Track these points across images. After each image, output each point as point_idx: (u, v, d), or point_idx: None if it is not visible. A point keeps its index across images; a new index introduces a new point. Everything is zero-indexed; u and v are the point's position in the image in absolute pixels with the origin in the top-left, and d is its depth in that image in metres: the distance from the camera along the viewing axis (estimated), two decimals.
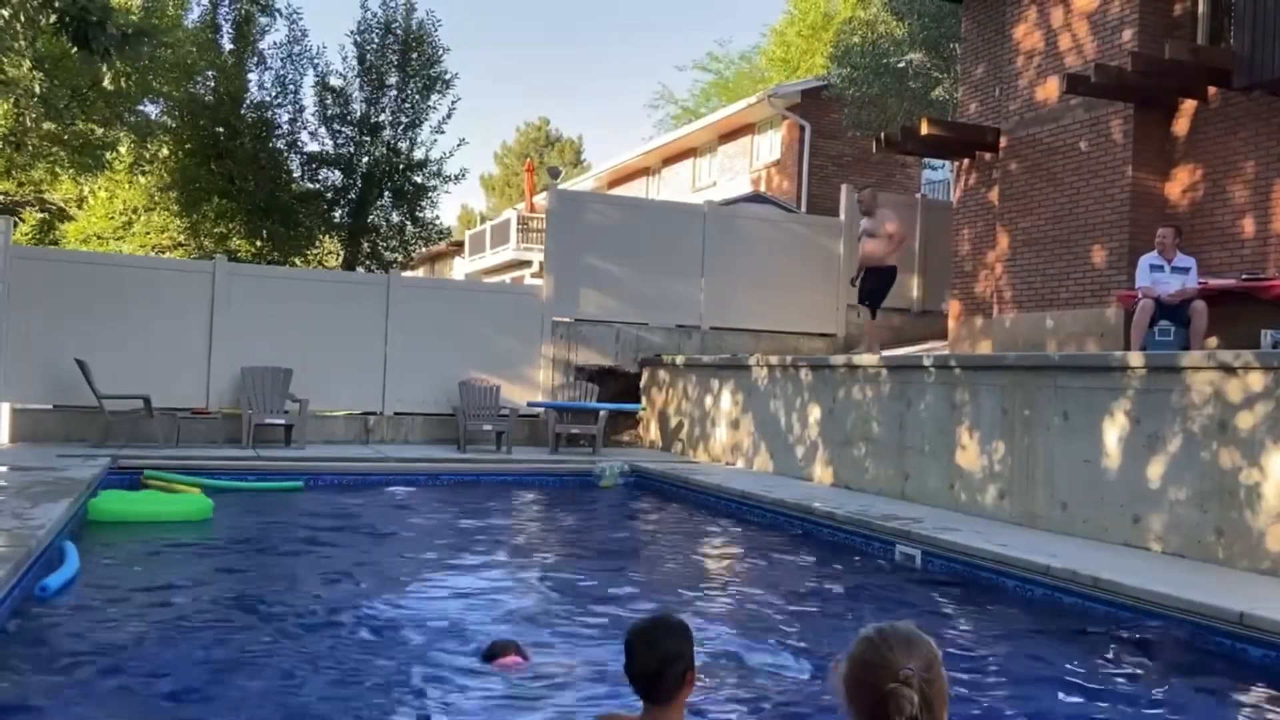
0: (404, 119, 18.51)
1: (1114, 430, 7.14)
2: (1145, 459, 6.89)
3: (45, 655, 4.58)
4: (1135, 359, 7.16)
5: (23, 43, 12.91)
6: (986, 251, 13.20)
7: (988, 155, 13.24)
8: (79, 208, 20.99)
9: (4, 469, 9.12)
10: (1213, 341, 9.24)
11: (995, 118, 13.11)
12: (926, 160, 20.05)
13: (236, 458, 10.91)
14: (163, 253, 18.62)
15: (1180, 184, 10.63)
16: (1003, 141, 12.43)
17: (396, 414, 13.59)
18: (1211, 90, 10.25)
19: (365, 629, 5.18)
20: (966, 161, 13.90)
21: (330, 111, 18.18)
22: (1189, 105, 10.55)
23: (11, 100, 16.38)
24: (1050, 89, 11.57)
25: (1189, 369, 6.66)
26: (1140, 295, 9.24)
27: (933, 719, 1.88)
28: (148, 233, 19.28)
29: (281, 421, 12.34)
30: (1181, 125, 10.65)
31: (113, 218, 20.06)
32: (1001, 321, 12.28)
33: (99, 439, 11.45)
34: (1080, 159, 11.25)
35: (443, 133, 18.94)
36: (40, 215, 21.27)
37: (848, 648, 1.99)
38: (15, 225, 15.98)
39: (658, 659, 2.54)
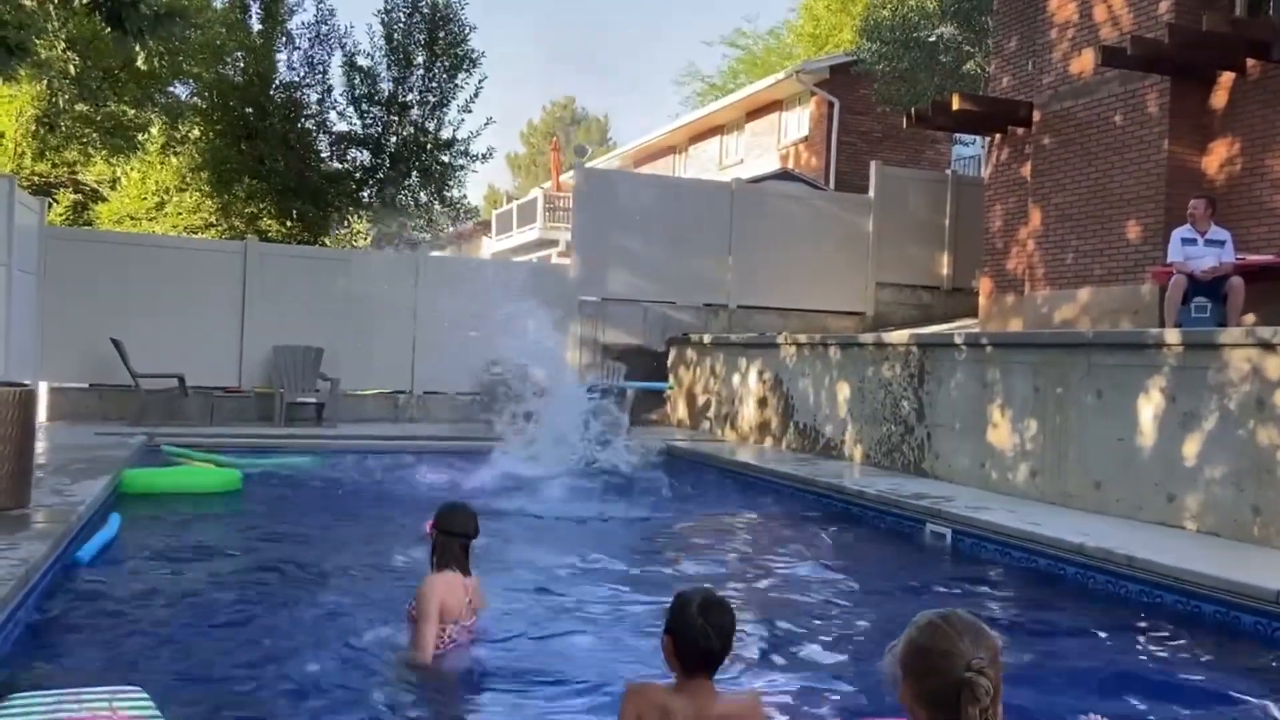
0: (431, 98, 18.48)
1: (1149, 408, 7.06)
2: (1180, 437, 6.81)
3: (87, 621, 4.68)
4: (1171, 336, 7.06)
5: (56, 24, 13.02)
6: (1018, 228, 13.05)
7: (1020, 130, 13.07)
8: (112, 189, 21.21)
9: (43, 446, 9.28)
10: (1250, 318, 9.10)
11: (1028, 92, 12.93)
12: (957, 136, 19.84)
13: (270, 435, 11.02)
14: (195, 233, 18.78)
15: (1217, 158, 10.45)
16: (1036, 116, 12.26)
17: (426, 393, 13.68)
18: (1250, 62, 10.05)
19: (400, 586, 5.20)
20: (998, 137, 13.73)
21: (358, 91, 18.19)
22: (1227, 78, 10.34)
23: (45, 82, 16.54)
24: (1085, 62, 11.39)
25: (1227, 346, 6.57)
26: (1174, 271, 9.11)
27: (994, 710, 1.89)
28: (180, 213, 19.45)
29: (313, 400, 12.46)
30: (1219, 98, 10.45)
31: (145, 199, 20.25)
32: (1033, 299, 12.16)
33: (135, 418, 11.61)
34: (1115, 133, 11.07)
35: (470, 111, 18.86)
36: (74, 196, 21.50)
37: (907, 633, 1.99)
38: (50, 206, 16.16)
39: (724, 638, 2.65)
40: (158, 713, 3.30)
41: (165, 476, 8.37)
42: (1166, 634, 5.05)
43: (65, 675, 3.85)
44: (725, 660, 2.67)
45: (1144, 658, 4.74)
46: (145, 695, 3.45)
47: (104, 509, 6.90)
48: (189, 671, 4.08)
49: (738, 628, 2.79)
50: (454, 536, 4.04)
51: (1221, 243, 9.17)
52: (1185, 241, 9.24)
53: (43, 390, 12.05)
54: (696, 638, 2.62)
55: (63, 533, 5.55)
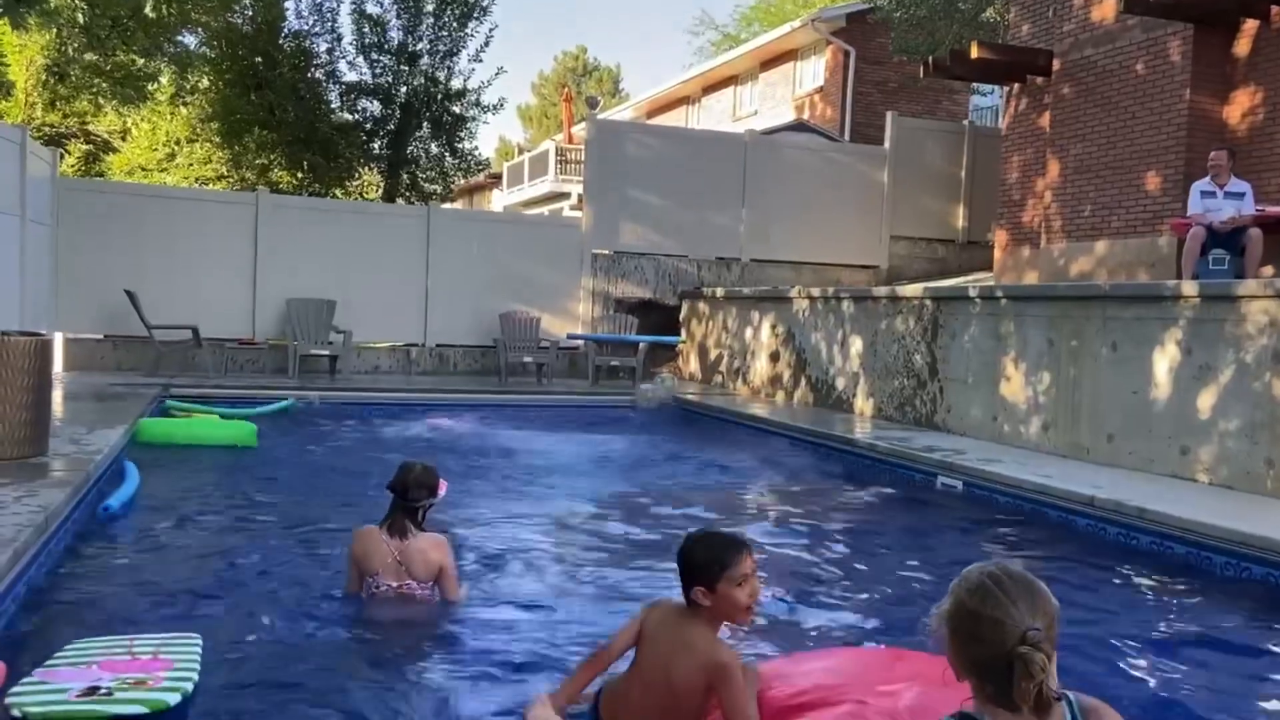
0: (441, 47, 18.31)
1: (1164, 361, 7.03)
2: (1195, 390, 6.78)
3: (109, 568, 4.75)
4: (1188, 288, 7.00)
5: None
6: (1035, 180, 12.90)
7: (1039, 79, 12.86)
8: (123, 140, 21.15)
9: (59, 396, 9.35)
10: (1268, 270, 9.01)
11: (1048, 40, 12.70)
12: (975, 86, 19.54)
13: (283, 387, 11.08)
14: (206, 185, 18.75)
15: (1239, 107, 10.27)
16: (1056, 64, 12.06)
17: (438, 346, 13.71)
18: (1275, 9, 9.84)
19: None
20: (1017, 86, 13.52)
21: (368, 40, 18.02)
22: (1250, 25, 10.13)
23: (54, 30, 16.44)
24: (1107, 9, 11.17)
25: (1244, 298, 6.51)
26: (1192, 223, 9.01)
27: (1050, 682, 1.71)
28: (190, 164, 19.41)
29: (326, 353, 12.50)
30: (1243, 46, 10.25)
31: (156, 150, 20.21)
32: (1049, 251, 12.05)
33: (150, 369, 11.69)
34: (1136, 82, 10.89)
35: (480, 61, 18.69)
36: (85, 147, 21.47)
37: (954, 591, 1.80)
38: (61, 158, 16.13)
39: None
40: (196, 659, 3.34)
41: (182, 428, 8.44)
42: (1176, 585, 5.06)
43: (87, 621, 3.90)
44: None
45: (1153, 609, 4.76)
46: (198, 642, 3.48)
47: (120, 458, 6.96)
48: (217, 615, 4.15)
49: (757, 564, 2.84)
50: (392, 493, 4.13)
51: (1241, 195, 9.05)
52: (1205, 194, 9.13)
53: (58, 341, 12.13)
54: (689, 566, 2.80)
55: (81, 481, 5.61)
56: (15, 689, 3.03)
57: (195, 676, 3.21)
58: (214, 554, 5.11)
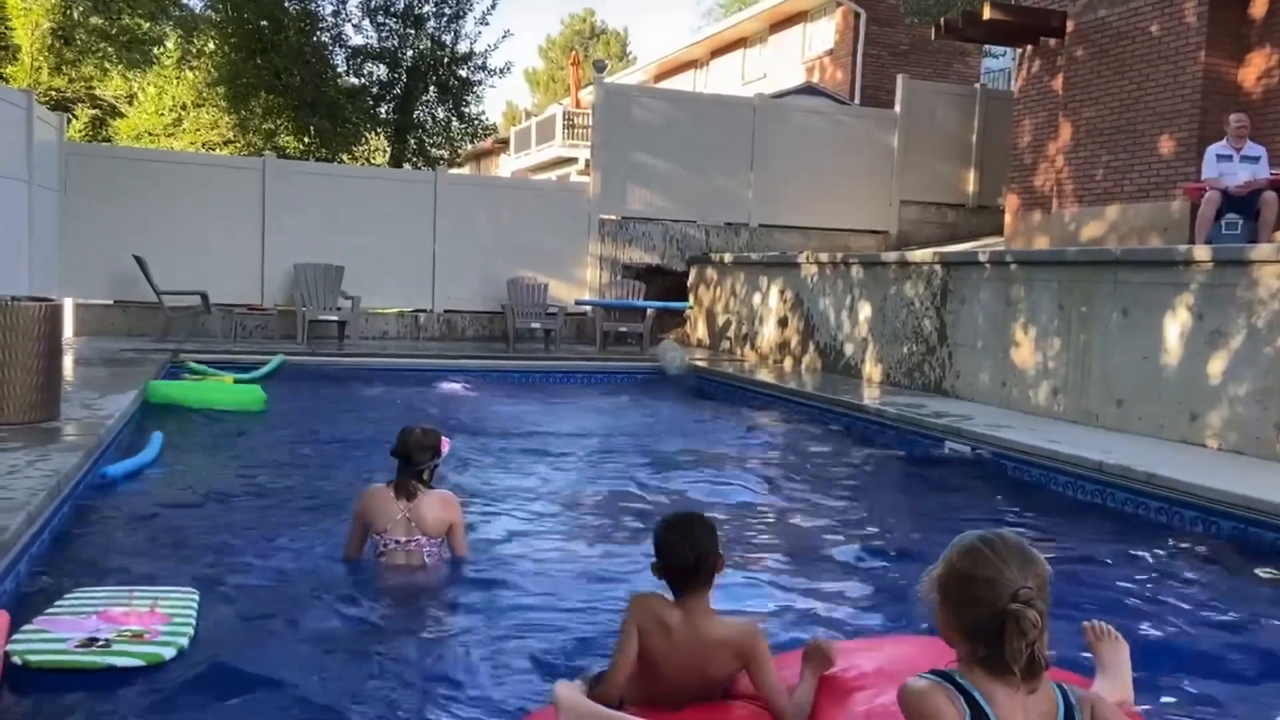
0: (447, 10, 18.13)
1: (1175, 326, 6.99)
2: (1206, 355, 6.75)
3: (116, 529, 4.79)
4: (1201, 253, 6.94)
5: None
6: (1047, 143, 12.78)
7: (1052, 41, 12.70)
8: (129, 104, 21.05)
9: (70, 361, 9.39)
10: None
11: (1061, 1, 12.52)
12: (987, 48, 19.29)
13: (293, 353, 11.09)
14: (212, 150, 18.68)
15: (1255, 69, 10.14)
16: (1069, 26, 11.90)
17: (446, 312, 13.71)
18: None
19: None
20: (1030, 48, 13.35)
21: (374, 3, 17.85)
22: None
23: None
24: None
25: (1257, 262, 6.45)
26: (1206, 187, 8.92)
27: (1041, 643, 1.74)
28: (197, 129, 19.34)
29: (334, 318, 12.51)
30: (1259, 7, 10.09)
31: (162, 114, 20.11)
32: (1060, 216, 11.96)
33: (160, 334, 11.72)
34: (1151, 43, 10.75)
35: (487, 24, 18.61)
36: (91, 112, 21.37)
37: (946, 556, 1.83)
38: (68, 123, 16.08)
39: (696, 552, 2.70)
40: (191, 615, 3.40)
41: (191, 391, 8.47)
42: (1184, 550, 5.07)
43: (93, 579, 3.95)
44: (712, 575, 2.72)
45: (1159, 573, 4.76)
46: (195, 596, 3.55)
47: (132, 422, 7.00)
48: (219, 576, 4.19)
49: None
50: (395, 458, 4.19)
51: (1257, 158, 8.94)
52: (1220, 158, 9.02)
53: (68, 306, 12.16)
54: (670, 554, 2.71)
55: (93, 445, 5.65)
56: (16, 637, 3.10)
57: (191, 631, 3.28)
58: (220, 518, 5.16)
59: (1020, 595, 1.72)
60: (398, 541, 4.09)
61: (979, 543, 1.81)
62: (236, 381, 9.05)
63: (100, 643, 3.10)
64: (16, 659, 3.00)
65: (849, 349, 10.82)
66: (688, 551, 2.70)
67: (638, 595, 2.80)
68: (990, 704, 1.76)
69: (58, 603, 3.45)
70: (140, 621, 3.28)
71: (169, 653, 3.13)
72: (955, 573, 1.81)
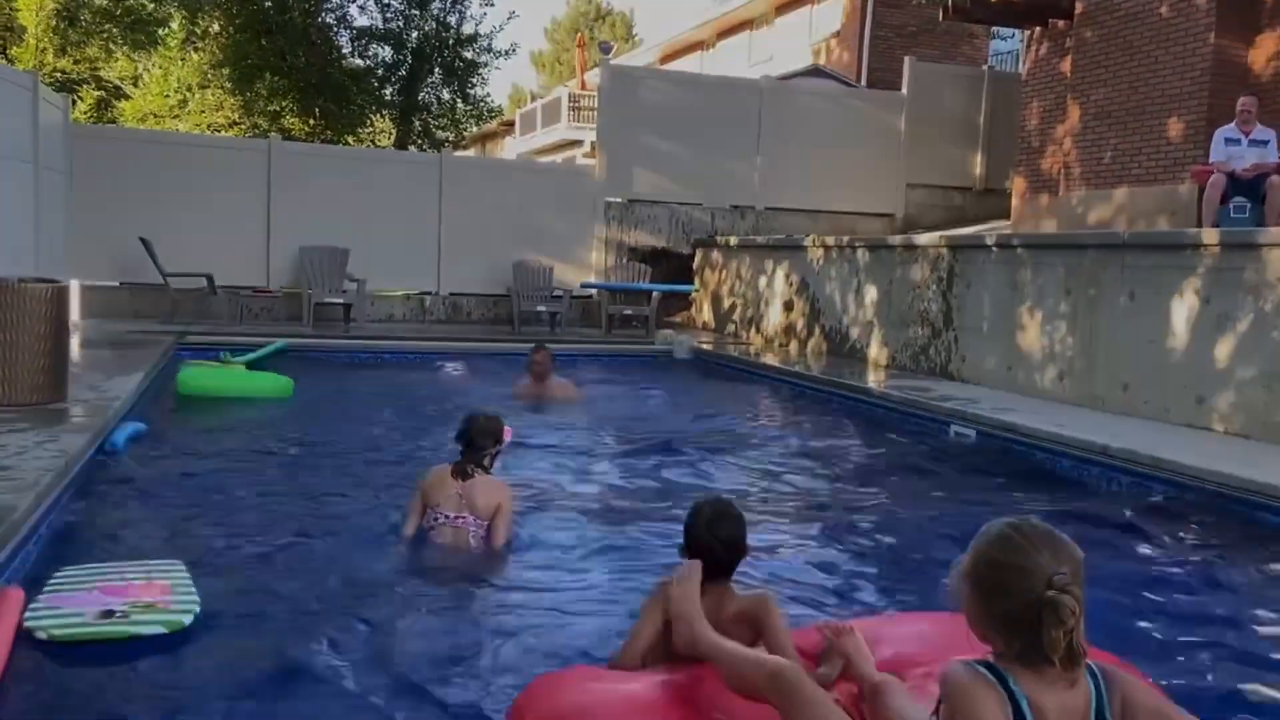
0: None
1: (1182, 310, 6.97)
2: (1213, 339, 6.73)
3: (123, 506, 4.82)
4: (1209, 236, 6.92)
5: None
6: (1055, 126, 12.71)
7: (1061, 23, 12.62)
8: (134, 86, 21.03)
9: (77, 343, 9.41)
10: None
11: None
12: (995, 30, 19.18)
13: (300, 335, 11.10)
14: (218, 131, 18.66)
15: (1265, 52, 10.07)
16: (1078, 8, 11.81)
17: (452, 294, 13.72)
18: None
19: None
20: (1038, 30, 13.26)
21: None
22: None
23: None
24: None
25: (1265, 246, 6.43)
26: (1214, 170, 8.88)
27: (1079, 632, 1.69)
28: (202, 111, 19.32)
29: (340, 301, 12.50)
30: None
31: (168, 96, 20.10)
32: (1068, 199, 11.91)
33: (166, 316, 11.74)
34: (1160, 25, 10.67)
35: (492, 5, 18.54)
36: (97, 94, 21.37)
37: (974, 546, 1.78)
38: (74, 104, 16.07)
39: (731, 550, 2.81)
40: (190, 583, 3.50)
41: (222, 379, 8.38)
42: (1190, 534, 5.07)
43: (105, 555, 3.99)
44: (736, 564, 2.84)
45: (1165, 557, 4.76)
46: (182, 566, 3.66)
47: (148, 407, 7.02)
48: (220, 550, 4.25)
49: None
50: (459, 442, 4.38)
51: (1265, 142, 8.90)
52: (1229, 141, 8.98)
53: (74, 288, 12.17)
54: (707, 552, 2.79)
55: (100, 426, 5.67)
56: (31, 612, 3.16)
57: (197, 597, 3.37)
58: (238, 497, 5.17)
59: (1055, 582, 1.66)
60: (446, 516, 4.22)
61: (1008, 529, 1.75)
62: (243, 363, 9.04)
63: (118, 614, 3.20)
64: (42, 634, 3.07)
65: (854, 332, 10.81)
66: (722, 552, 2.80)
67: (661, 585, 2.82)
68: (1032, 711, 1.70)
69: (51, 580, 3.51)
70: (147, 594, 3.36)
71: (188, 619, 3.25)
72: (985, 561, 1.74)
